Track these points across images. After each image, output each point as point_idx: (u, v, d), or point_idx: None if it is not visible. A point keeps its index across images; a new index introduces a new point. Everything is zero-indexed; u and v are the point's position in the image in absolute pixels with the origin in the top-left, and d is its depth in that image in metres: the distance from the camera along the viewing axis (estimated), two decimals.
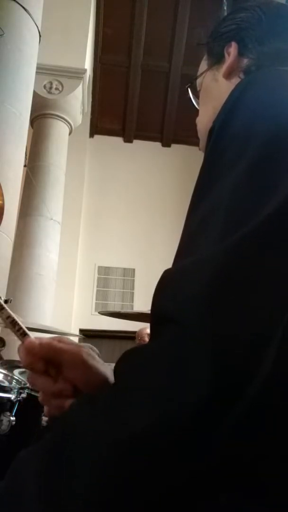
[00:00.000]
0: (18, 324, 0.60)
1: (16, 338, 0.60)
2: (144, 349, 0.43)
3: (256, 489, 0.39)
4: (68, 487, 0.38)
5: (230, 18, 0.74)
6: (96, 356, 0.57)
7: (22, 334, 0.60)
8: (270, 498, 0.39)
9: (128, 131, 8.81)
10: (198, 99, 0.78)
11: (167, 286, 0.44)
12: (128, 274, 8.02)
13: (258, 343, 0.38)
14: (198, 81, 0.78)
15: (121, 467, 0.37)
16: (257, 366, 0.37)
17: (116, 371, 0.44)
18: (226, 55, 0.72)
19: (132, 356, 0.43)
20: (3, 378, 1.66)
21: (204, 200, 0.48)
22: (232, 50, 0.71)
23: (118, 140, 8.89)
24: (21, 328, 0.60)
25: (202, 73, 0.76)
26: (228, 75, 0.70)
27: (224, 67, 0.71)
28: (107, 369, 0.54)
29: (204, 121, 0.74)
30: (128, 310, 6.11)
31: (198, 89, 0.78)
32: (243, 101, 0.52)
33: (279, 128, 0.47)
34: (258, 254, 0.40)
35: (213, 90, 0.72)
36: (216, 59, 0.74)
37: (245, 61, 0.70)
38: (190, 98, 0.80)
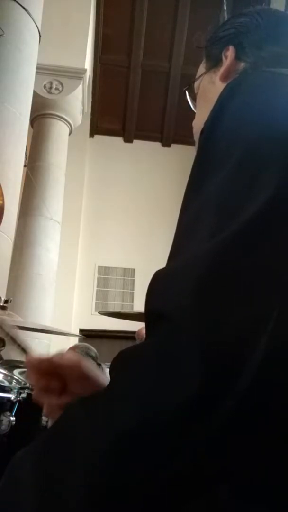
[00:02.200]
0: (18, 340, 0.62)
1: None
2: (138, 347, 0.44)
3: (251, 485, 0.39)
4: (64, 484, 0.38)
5: (229, 22, 0.76)
6: (97, 368, 0.58)
7: (23, 350, 0.62)
8: (266, 495, 0.39)
9: (128, 131, 8.82)
10: (196, 102, 0.79)
11: (158, 286, 0.44)
12: (128, 274, 8.02)
13: (247, 339, 0.38)
14: (196, 83, 0.78)
15: (114, 464, 0.37)
16: (246, 362, 0.37)
17: (111, 370, 0.44)
18: (223, 58, 0.72)
19: (126, 355, 0.43)
20: (3, 378, 1.66)
21: (193, 201, 0.49)
22: (230, 53, 0.71)
23: (118, 140, 8.90)
24: (19, 345, 0.62)
25: (199, 76, 0.77)
26: (225, 78, 0.71)
27: (221, 70, 0.72)
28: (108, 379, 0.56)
29: (200, 123, 0.74)
30: (128, 310, 6.12)
31: (195, 91, 0.79)
32: (230, 103, 0.52)
33: (263, 128, 0.47)
34: (245, 252, 0.40)
35: (209, 93, 0.73)
36: (214, 63, 0.74)
37: (242, 65, 0.70)
38: (187, 100, 0.81)
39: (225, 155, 0.47)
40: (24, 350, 0.62)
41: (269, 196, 0.42)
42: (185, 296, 0.40)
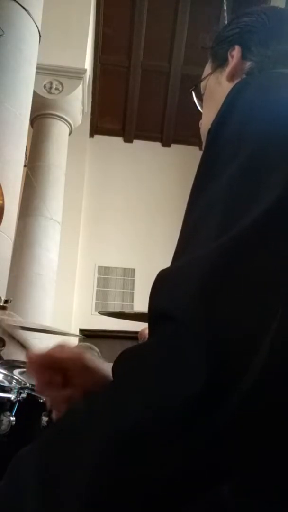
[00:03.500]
0: (16, 337, 0.62)
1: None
2: (141, 347, 0.44)
3: (254, 483, 0.39)
4: (66, 482, 0.38)
5: (234, 22, 0.75)
6: (99, 358, 0.58)
7: (22, 347, 0.62)
8: (269, 492, 0.40)
9: (128, 131, 8.81)
10: (202, 102, 0.79)
11: (162, 285, 0.44)
12: (128, 274, 8.02)
13: (252, 338, 0.38)
14: (202, 84, 0.79)
15: (116, 462, 0.37)
16: (251, 361, 0.38)
17: (113, 369, 0.44)
18: (229, 58, 0.73)
19: (129, 355, 0.44)
20: (3, 378, 1.66)
21: (199, 200, 0.49)
22: (236, 53, 0.72)
23: (118, 140, 8.89)
24: (19, 341, 0.62)
25: (206, 77, 0.77)
26: (231, 78, 0.71)
27: (228, 70, 0.72)
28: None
29: (207, 123, 0.74)
30: (128, 310, 6.11)
31: (202, 92, 0.79)
32: (238, 103, 0.52)
33: (270, 129, 0.47)
34: (250, 252, 0.41)
35: (216, 93, 0.73)
36: (220, 63, 0.74)
37: (248, 64, 0.71)
38: (194, 101, 0.81)
39: (232, 155, 0.47)
40: (24, 346, 0.62)
41: (276, 196, 0.42)
42: (190, 295, 0.40)
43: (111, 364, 0.50)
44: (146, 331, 3.86)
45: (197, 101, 0.81)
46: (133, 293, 7.90)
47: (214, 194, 0.46)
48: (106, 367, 0.57)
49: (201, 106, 0.79)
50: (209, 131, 0.53)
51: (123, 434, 0.37)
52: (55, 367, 0.58)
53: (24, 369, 1.92)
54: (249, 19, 0.73)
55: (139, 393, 0.39)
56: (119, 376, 0.43)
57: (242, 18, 0.75)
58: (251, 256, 0.40)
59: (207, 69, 0.78)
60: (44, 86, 6.29)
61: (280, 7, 0.76)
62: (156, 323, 0.43)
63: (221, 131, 0.51)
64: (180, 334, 0.39)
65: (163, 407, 0.37)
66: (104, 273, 8.02)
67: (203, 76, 0.79)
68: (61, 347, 0.60)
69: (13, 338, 0.63)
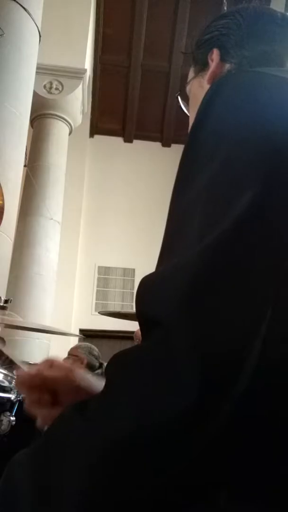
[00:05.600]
0: (4, 355, 0.62)
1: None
2: (132, 352, 0.43)
3: (252, 488, 0.39)
4: (59, 490, 0.38)
5: (212, 25, 0.76)
6: (91, 376, 0.58)
7: (10, 363, 0.62)
8: (267, 497, 0.39)
9: (128, 131, 8.82)
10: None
11: (148, 290, 0.44)
12: (128, 274, 8.02)
13: (241, 343, 0.38)
14: (187, 88, 0.79)
15: (109, 471, 0.37)
16: (242, 366, 0.37)
17: (106, 374, 0.44)
18: (209, 61, 0.73)
19: (121, 359, 0.43)
20: (3, 378, 1.66)
21: (179, 203, 0.49)
22: (214, 56, 0.72)
23: (118, 140, 8.89)
24: (7, 358, 0.62)
25: (189, 81, 0.77)
26: (212, 81, 0.71)
27: (208, 73, 0.72)
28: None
29: None
30: (128, 310, 6.11)
31: (189, 96, 0.79)
32: (214, 104, 0.52)
33: (246, 128, 0.47)
34: (233, 254, 0.40)
35: (199, 97, 0.73)
36: (202, 66, 0.75)
37: (227, 66, 0.71)
38: (180, 106, 0.81)
39: (209, 156, 0.47)
40: (12, 363, 0.62)
41: (253, 196, 0.42)
42: (175, 301, 0.39)
43: (103, 381, 0.50)
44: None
45: (184, 104, 0.81)
46: (133, 293, 7.89)
47: (193, 196, 0.46)
48: (97, 384, 0.57)
49: (188, 110, 0.80)
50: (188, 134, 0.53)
51: (116, 444, 0.37)
52: (44, 386, 0.58)
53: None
54: (225, 21, 0.74)
55: (132, 402, 0.38)
56: (112, 383, 0.42)
57: (219, 20, 0.75)
58: (234, 258, 0.40)
59: (191, 73, 0.78)
60: (44, 86, 6.29)
61: (257, 5, 0.75)
62: (146, 328, 0.42)
63: (198, 133, 0.51)
64: (168, 341, 0.38)
65: (158, 417, 0.37)
66: (104, 273, 8.02)
67: (188, 80, 0.79)
68: (50, 362, 0.60)
69: (1, 354, 0.63)
